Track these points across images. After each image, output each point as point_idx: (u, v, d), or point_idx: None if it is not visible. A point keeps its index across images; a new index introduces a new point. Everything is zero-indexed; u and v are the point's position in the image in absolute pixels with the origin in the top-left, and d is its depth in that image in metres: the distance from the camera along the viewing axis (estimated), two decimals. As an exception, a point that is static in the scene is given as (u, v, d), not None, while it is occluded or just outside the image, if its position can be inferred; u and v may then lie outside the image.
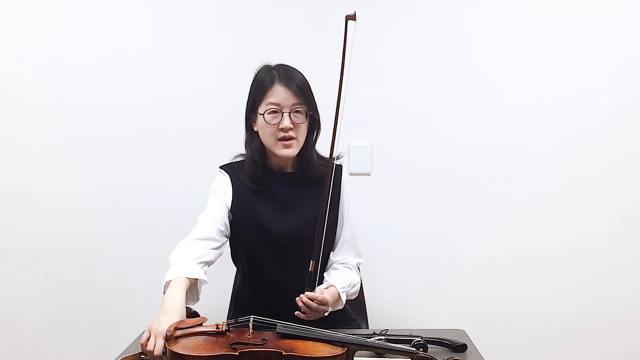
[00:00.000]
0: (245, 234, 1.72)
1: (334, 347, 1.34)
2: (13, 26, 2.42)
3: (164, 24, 2.42)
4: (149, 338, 1.35)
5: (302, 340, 1.35)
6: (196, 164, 2.40)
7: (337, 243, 1.80)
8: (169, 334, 1.31)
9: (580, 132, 2.39)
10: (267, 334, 1.37)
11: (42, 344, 2.47)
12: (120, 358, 1.46)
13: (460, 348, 1.50)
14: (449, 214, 2.43)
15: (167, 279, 1.51)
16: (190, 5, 2.42)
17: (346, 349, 1.33)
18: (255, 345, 1.31)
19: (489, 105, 2.40)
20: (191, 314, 1.54)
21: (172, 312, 1.39)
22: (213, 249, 1.66)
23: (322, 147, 1.83)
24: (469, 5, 2.38)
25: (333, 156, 1.65)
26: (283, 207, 1.72)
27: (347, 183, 1.85)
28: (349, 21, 1.58)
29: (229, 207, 1.73)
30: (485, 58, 2.39)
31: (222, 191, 1.75)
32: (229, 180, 1.76)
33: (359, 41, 2.37)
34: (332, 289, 1.65)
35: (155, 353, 1.31)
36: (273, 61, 1.79)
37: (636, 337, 2.42)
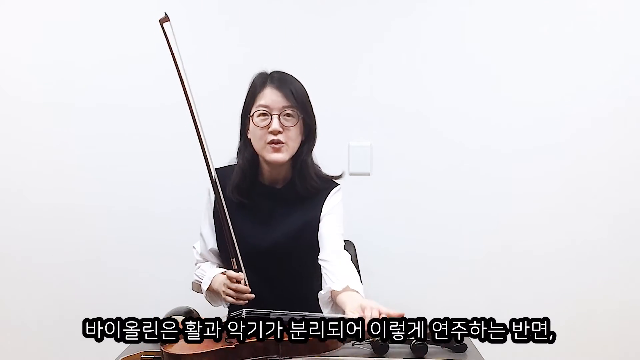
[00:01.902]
0: (225, 245, 1.67)
1: None
2: (13, 26, 2.42)
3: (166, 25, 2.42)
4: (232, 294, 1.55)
5: None
6: (196, 165, 2.38)
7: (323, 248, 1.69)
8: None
9: (580, 131, 2.39)
10: None
11: (42, 344, 2.47)
12: (121, 358, 1.46)
13: (460, 348, 1.50)
14: (449, 213, 2.43)
15: (205, 288, 1.69)
16: (193, 5, 2.42)
17: None
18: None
19: (489, 104, 2.40)
20: (190, 312, 1.54)
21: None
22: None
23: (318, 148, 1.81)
24: (469, 6, 2.39)
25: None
26: (265, 221, 1.68)
27: (338, 206, 1.74)
28: (165, 23, 1.53)
29: (213, 212, 1.73)
30: (486, 57, 2.39)
31: (208, 202, 1.76)
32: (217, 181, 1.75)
33: (360, 41, 2.39)
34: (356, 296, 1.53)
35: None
36: (276, 63, 1.76)
37: (637, 335, 2.42)
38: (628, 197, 2.40)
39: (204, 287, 1.67)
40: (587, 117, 2.38)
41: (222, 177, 1.69)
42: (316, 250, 1.68)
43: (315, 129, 1.70)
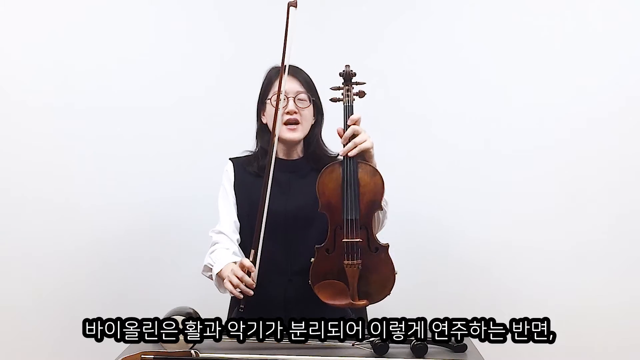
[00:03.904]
0: (247, 214, 1.80)
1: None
2: (13, 28, 2.42)
3: (164, 25, 2.43)
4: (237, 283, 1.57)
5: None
6: (196, 166, 2.40)
7: None
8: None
9: (580, 131, 2.39)
10: None
11: (42, 344, 2.47)
12: (121, 358, 1.46)
13: (460, 348, 1.50)
14: (449, 214, 2.43)
15: (215, 272, 1.71)
16: (189, 6, 2.42)
17: None
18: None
19: (489, 105, 2.40)
20: (190, 312, 1.54)
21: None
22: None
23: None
24: (469, 6, 2.39)
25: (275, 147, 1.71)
26: (283, 191, 1.80)
27: None
28: (291, 7, 1.69)
29: (233, 187, 1.84)
30: (486, 58, 2.40)
31: (227, 179, 1.85)
32: (232, 166, 1.87)
33: (359, 41, 2.40)
34: None
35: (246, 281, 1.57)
36: (269, 61, 1.86)
37: (637, 335, 2.42)
38: (628, 197, 2.40)
39: (215, 271, 1.72)
40: (587, 117, 2.38)
41: (240, 164, 1.86)
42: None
43: (323, 111, 1.88)
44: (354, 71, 1.72)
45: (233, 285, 1.59)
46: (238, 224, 1.84)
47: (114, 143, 2.43)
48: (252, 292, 1.59)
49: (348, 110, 1.69)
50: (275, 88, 1.79)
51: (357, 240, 1.60)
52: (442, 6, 2.39)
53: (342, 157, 1.68)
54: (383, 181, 1.64)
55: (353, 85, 1.73)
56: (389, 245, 1.66)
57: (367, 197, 1.63)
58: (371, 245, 1.64)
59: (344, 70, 1.73)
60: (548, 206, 2.41)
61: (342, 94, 1.72)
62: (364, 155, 1.66)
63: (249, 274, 1.59)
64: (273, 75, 1.83)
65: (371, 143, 1.65)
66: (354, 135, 1.65)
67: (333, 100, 1.73)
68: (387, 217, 1.81)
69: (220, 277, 1.70)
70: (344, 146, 1.65)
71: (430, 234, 2.43)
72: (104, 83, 2.42)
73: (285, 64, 1.68)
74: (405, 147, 2.42)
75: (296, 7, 1.69)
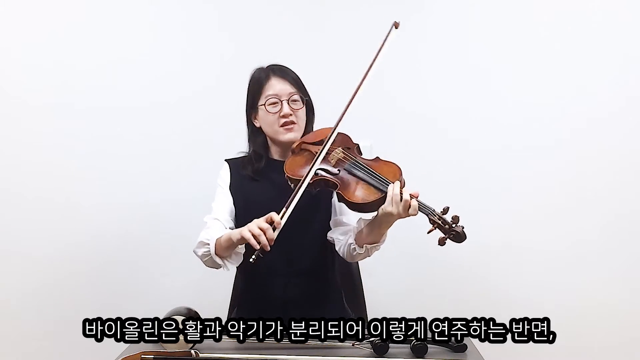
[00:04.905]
0: (243, 215, 1.76)
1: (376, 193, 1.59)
2: (13, 27, 2.42)
3: (164, 24, 2.43)
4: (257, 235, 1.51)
5: (361, 182, 1.62)
6: (195, 166, 2.40)
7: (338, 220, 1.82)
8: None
9: (581, 130, 2.39)
10: (344, 167, 1.66)
11: (42, 344, 2.47)
12: (121, 358, 1.46)
13: (460, 348, 1.50)
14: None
15: (214, 241, 1.65)
16: (189, 6, 2.42)
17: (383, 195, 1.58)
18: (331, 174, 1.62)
19: (490, 104, 2.40)
20: (190, 312, 1.55)
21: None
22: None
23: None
24: (469, 6, 2.39)
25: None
26: (280, 192, 1.75)
27: None
28: (395, 28, 1.78)
29: (229, 188, 1.83)
30: (487, 58, 2.40)
31: (223, 180, 1.85)
32: (228, 168, 1.86)
33: (360, 41, 2.39)
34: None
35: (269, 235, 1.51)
36: (270, 60, 1.85)
37: (637, 334, 2.42)
38: (628, 197, 2.40)
39: (216, 235, 1.66)
40: (587, 117, 2.38)
41: (235, 166, 1.85)
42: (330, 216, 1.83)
43: (313, 108, 1.87)
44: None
45: (254, 234, 1.50)
46: (234, 214, 1.80)
47: (114, 143, 2.43)
48: (269, 248, 1.51)
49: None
50: (268, 91, 1.77)
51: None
52: (442, 6, 2.39)
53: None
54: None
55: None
56: None
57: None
58: None
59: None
60: (548, 206, 2.41)
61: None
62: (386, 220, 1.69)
63: (274, 229, 1.52)
64: (263, 78, 1.80)
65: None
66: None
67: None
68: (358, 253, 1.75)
69: (220, 245, 1.64)
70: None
71: (429, 236, 2.43)
72: (104, 83, 2.42)
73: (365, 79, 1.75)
74: (404, 147, 2.42)
75: (397, 27, 1.78)
